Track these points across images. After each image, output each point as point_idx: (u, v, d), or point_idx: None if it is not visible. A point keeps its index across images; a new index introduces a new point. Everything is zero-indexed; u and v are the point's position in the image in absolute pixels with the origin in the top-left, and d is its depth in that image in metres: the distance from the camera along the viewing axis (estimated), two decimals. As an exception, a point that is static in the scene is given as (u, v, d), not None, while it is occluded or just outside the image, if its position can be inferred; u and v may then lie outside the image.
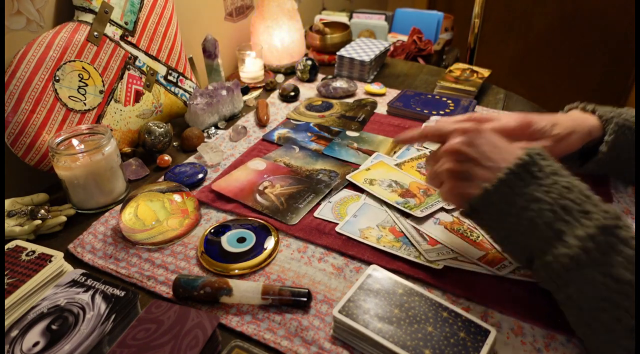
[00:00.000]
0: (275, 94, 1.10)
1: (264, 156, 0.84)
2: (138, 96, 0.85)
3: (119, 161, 0.72)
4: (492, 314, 0.53)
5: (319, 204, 0.71)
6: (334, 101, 1.05)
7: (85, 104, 0.77)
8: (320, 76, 1.19)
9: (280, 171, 0.78)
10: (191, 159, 0.86)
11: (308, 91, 1.12)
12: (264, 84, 1.15)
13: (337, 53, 1.17)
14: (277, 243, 0.64)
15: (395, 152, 0.84)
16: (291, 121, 0.96)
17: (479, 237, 0.63)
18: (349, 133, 0.91)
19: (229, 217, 0.70)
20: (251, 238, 0.64)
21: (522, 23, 2.47)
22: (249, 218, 0.68)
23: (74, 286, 0.53)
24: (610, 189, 0.72)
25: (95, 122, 0.79)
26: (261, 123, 0.96)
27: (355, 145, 0.87)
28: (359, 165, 0.80)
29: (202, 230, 0.67)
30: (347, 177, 0.75)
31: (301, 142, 0.88)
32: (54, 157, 0.66)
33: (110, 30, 0.79)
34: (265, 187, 0.74)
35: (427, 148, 0.84)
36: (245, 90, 1.10)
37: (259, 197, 0.72)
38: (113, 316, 0.49)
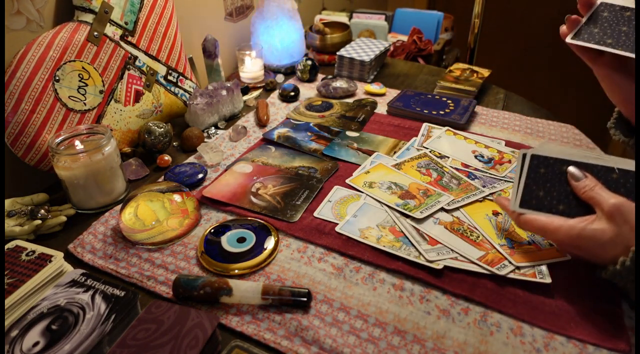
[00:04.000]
0: (275, 94, 1.10)
1: (242, 157, 0.84)
2: (138, 96, 0.85)
3: (119, 161, 0.72)
4: (492, 314, 0.53)
5: (317, 200, 0.71)
6: (334, 101, 1.05)
7: (85, 104, 0.77)
8: (320, 76, 1.19)
9: (268, 171, 0.79)
10: (191, 159, 0.86)
11: (308, 91, 1.12)
12: (264, 84, 1.15)
13: (337, 53, 1.17)
14: (277, 243, 0.64)
15: (395, 152, 0.84)
16: (291, 120, 0.96)
17: (479, 237, 0.63)
18: (349, 133, 0.91)
19: (229, 217, 0.70)
20: (251, 238, 0.64)
21: (522, 23, 2.47)
22: (249, 218, 0.68)
23: (73, 286, 0.53)
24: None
25: (95, 122, 0.79)
26: (261, 123, 0.96)
27: (355, 145, 0.87)
28: (359, 165, 0.80)
29: (202, 230, 0.67)
30: (347, 181, 0.75)
31: (301, 141, 0.88)
32: (54, 157, 0.67)
33: (110, 30, 0.79)
34: (258, 189, 0.74)
35: (426, 148, 0.84)
36: (245, 90, 1.10)
37: (254, 199, 0.72)
38: (113, 316, 0.49)
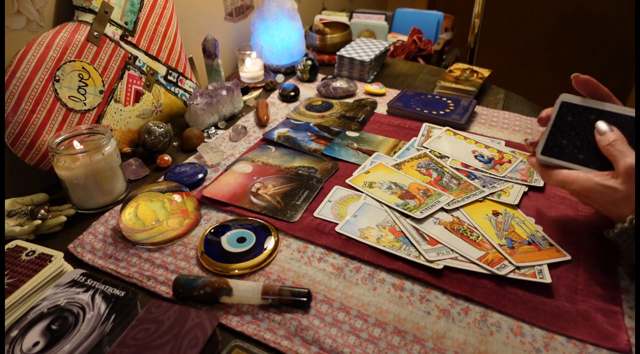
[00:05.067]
0: (275, 94, 1.10)
1: (242, 157, 0.84)
2: (138, 96, 0.85)
3: (119, 161, 0.72)
4: (492, 314, 0.53)
5: (317, 201, 0.71)
6: (334, 101, 1.05)
7: (85, 104, 0.77)
8: (320, 76, 1.19)
9: (268, 171, 0.78)
10: (191, 159, 0.86)
11: (308, 91, 1.12)
12: (264, 84, 1.15)
13: (337, 53, 1.17)
14: (277, 243, 0.64)
15: (395, 152, 0.84)
16: (291, 121, 0.96)
17: (479, 237, 0.63)
18: (349, 133, 0.91)
19: (229, 217, 0.70)
20: (251, 238, 0.64)
21: (522, 23, 2.47)
22: (249, 218, 0.68)
23: (74, 286, 0.53)
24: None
25: (95, 122, 0.79)
26: (261, 123, 0.96)
27: (355, 145, 0.87)
28: (359, 165, 0.80)
29: (202, 230, 0.67)
30: (347, 181, 0.75)
31: (301, 141, 0.88)
32: (54, 157, 0.67)
33: (110, 30, 0.79)
34: (258, 189, 0.74)
35: (426, 148, 0.84)
36: (245, 90, 1.10)
37: (254, 199, 0.72)
38: (113, 316, 0.49)
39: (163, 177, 0.79)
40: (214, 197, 0.72)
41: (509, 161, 0.79)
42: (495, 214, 0.67)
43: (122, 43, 0.81)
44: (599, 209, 0.56)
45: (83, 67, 0.76)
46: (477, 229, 0.64)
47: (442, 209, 0.68)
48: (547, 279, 0.55)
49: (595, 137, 0.56)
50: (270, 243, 0.63)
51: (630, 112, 0.55)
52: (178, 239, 0.66)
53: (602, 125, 0.55)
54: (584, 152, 0.56)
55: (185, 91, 0.94)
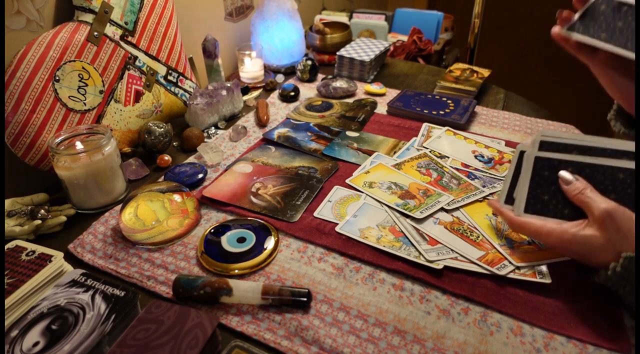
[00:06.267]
0: (275, 94, 1.10)
1: (242, 157, 0.84)
2: (138, 96, 0.85)
3: (119, 161, 0.72)
4: (492, 314, 0.53)
5: (317, 201, 0.71)
6: (334, 101, 1.05)
7: (85, 104, 0.77)
8: (320, 76, 1.19)
9: (268, 171, 0.78)
10: (191, 159, 0.86)
11: (308, 91, 1.12)
12: (264, 84, 1.15)
13: (337, 53, 1.17)
14: (277, 243, 0.64)
15: (395, 152, 0.84)
16: (291, 121, 0.96)
17: (479, 237, 0.63)
18: (349, 133, 0.91)
19: (229, 217, 0.70)
20: (251, 238, 0.64)
21: (522, 23, 2.47)
22: (249, 218, 0.68)
23: (74, 286, 0.53)
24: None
25: (95, 122, 0.79)
26: (261, 123, 0.96)
27: (355, 145, 0.87)
28: (359, 165, 0.80)
29: (202, 230, 0.67)
30: (347, 181, 0.75)
31: (301, 141, 0.88)
32: (54, 157, 0.67)
33: (110, 30, 0.79)
34: (258, 189, 0.74)
35: (426, 148, 0.84)
36: (245, 90, 1.10)
37: (254, 199, 0.72)
38: (113, 316, 0.49)
39: (163, 177, 0.79)
40: (214, 197, 0.72)
41: (509, 161, 0.79)
42: (495, 214, 0.67)
43: (122, 43, 0.81)
44: (576, 258, 0.54)
45: (83, 67, 0.76)
46: (477, 229, 0.64)
47: (442, 209, 0.68)
48: (547, 279, 0.55)
49: (562, 188, 0.54)
50: (270, 243, 0.63)
51: (608, 162, 0.53)
52: (178, 239, 0.66)
53: (564, 174, 0.54)
54: (569, 206, 0.54)
55: (185, 91, 0.94)
